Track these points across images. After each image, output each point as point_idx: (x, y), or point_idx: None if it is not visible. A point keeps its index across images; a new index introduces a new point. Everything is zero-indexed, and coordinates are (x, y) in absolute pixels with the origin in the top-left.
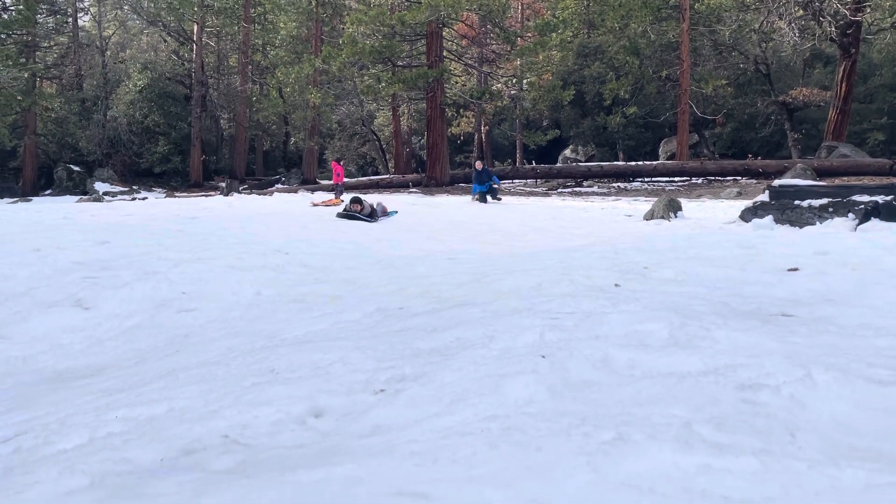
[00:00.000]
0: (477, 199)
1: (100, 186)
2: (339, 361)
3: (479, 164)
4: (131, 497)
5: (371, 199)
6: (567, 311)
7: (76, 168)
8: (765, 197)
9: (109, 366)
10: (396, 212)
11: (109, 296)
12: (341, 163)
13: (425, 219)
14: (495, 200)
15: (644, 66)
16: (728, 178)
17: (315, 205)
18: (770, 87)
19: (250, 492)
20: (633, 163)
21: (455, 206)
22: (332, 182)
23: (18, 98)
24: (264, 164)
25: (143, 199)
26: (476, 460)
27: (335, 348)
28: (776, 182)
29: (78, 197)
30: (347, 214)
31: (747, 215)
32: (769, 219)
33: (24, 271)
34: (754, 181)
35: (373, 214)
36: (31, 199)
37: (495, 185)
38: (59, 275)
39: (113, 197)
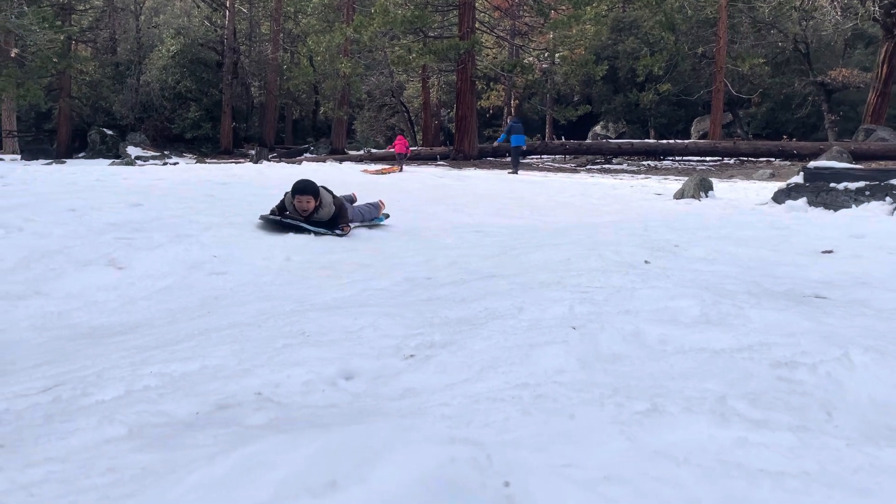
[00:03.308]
0: (511, 172)
1: (132, 150)
2: (369, 327)
3: (510, 117)
4: (169, 447)
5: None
6: (597, 285)
7: (109, 132)
8: (799, 179)
9: (143, 324)
10: (388, 216)
11: (143, 256)
12: (406, 136)
13: (453, 192)
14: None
15: (679, 43)
16: (761, 159)
17: (367, 172)
18: (808, 66)
19: (287, 443)
20: (665, 141)
21: (483, 180)
22: (361, 152)
23: (54, 60)
24: (293, 132)
25: (174, 164)
26: (509, 425)
27: (365, 314)
28: (811, 164)
29: (111, 160)
30: (282, 220)
31: (781, 197)
32: (803, 201)
33: (60, 230)
34: (788, 163)
35: (336, 219)
36: (65, 161)
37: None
38: (94, 235)
39: (144, 161)
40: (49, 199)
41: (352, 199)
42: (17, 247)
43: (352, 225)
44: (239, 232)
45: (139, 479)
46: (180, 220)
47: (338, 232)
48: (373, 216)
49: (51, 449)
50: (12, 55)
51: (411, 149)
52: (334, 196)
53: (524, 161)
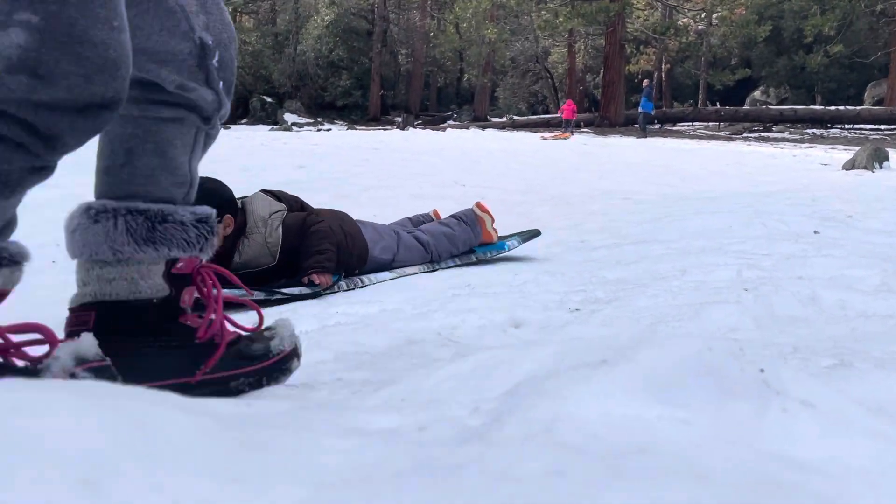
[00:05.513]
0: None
1: (288, 117)
2: (531, 282)
3: (646, 82)
4: (374, 369)
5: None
6: (762, 252)
7: (268, 99)
8: None
9: None
10: (534, 233)
11: None
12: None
13: (598, 159)
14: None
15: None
16: None
17: (544, 138)
18: None
19: (520, 351)
20: (833, 107)
21: (629, 147)
22: (504, 119)
23: None
24: (437, 100)
25: (327, 130)
26: None
27: (524, 270)
28: None
29: (270, 126)
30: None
31: None
32: None
33: (236, 188)
34: None
35: (296, 256)
36: (230, 127)
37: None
38: None
39: (300, 128)
40: (221, 160)
41: (420, 223)
42: None
43: (385, 275)
44: (394, 193)
45: (370, 386)
46: (340, 182)
47: (304, 291)
48: (468, 243)
49: None
50: None
51: (554, 116)
52: (288, 202)
53: (674, 129)
